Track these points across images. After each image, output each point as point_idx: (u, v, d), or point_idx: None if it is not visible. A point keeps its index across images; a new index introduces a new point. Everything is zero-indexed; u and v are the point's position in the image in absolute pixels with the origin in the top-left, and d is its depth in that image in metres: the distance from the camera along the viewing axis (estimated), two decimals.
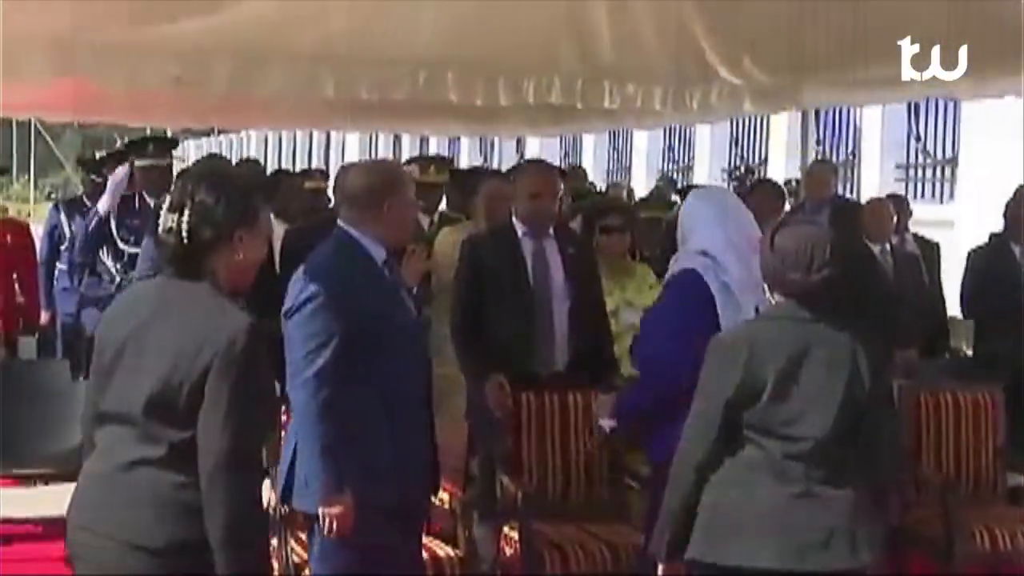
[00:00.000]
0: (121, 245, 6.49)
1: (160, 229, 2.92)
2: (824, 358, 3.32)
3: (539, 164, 5.70)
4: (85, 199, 8.03)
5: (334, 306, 3.64)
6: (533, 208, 5.02)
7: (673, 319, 4.14)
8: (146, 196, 6.57)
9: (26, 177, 32.28)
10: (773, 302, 3.46)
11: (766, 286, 3.47)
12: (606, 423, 4.41)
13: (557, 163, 15.70)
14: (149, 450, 2.81)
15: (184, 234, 2.86)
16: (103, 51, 6.02)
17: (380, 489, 3.67)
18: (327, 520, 3.63)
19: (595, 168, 20.68)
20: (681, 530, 3.36)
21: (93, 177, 8.13)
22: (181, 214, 2.86)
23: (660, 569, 3.45)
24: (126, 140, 9.76)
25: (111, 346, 2.92)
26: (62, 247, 7.92)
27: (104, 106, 9.84)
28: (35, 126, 29.86)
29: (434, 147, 21.15)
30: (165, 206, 2.94)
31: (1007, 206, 6.95)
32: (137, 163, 6.62)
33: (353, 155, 22.50)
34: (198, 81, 7.20)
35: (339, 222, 3.91)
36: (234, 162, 9.57)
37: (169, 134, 15.18)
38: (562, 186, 5.59)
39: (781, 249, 3.37)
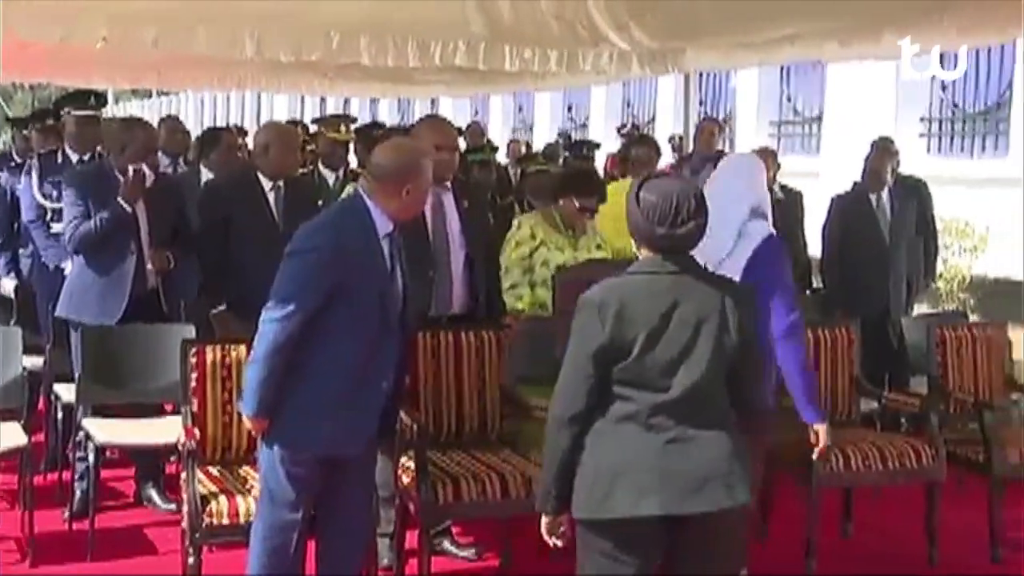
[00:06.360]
0: (41, 200, 5.99)
1: None
2: (692, 311, 3.05)
3: (438, 120, 5.44)
4: (14, 154, 7.60)
5: (325, 263, 3.60)
6: (433, 161, 4.81)
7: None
8: (68, 152, 6.10)
9: None
10: (640, 256, 3.19)
11: (633, 241, 3.21)
12: None
13: (469, 120, 15.56)
14: None
15: None
16: (37, 11, 5.72)
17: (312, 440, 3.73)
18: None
19: (503, 125, 20.51)
20: (564, 485, 3.08)
21: (24, 132, 7.73)
22: None
23: (544, 522, 3.17)
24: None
25: None
26: None
27: (48, 66, 9.52)
28: None
29: (355, 108, 20.82)
30: None
31: (865, 159, 6.91)
32: (76, 113, 6.05)
33: (282, 114, 22.07)
34: (125, 41, 6.92)
35: (358, 187, 3.85)
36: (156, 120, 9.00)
37: (111, 95, 14.63)
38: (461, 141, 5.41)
39: (646, 204, 3.10)
